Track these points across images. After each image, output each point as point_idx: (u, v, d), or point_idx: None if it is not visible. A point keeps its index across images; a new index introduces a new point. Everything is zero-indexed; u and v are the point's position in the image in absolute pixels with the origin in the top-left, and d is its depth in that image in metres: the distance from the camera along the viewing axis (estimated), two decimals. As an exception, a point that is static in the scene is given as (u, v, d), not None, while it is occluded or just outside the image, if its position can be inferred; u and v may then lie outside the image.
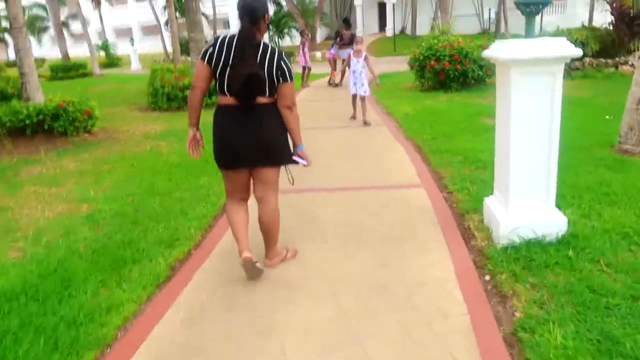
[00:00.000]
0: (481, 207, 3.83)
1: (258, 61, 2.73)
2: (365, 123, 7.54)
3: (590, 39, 12.21)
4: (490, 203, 3.59)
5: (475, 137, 6.36)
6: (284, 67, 2.80)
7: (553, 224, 3.24)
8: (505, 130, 3.32)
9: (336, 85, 13.30)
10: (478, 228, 3.62)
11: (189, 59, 11.40)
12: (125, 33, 44.17)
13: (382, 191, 4.63)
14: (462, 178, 4.76)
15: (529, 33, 3.21)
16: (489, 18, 23.96)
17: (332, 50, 13.62)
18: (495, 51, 3.20)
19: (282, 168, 3.10)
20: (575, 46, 9.65)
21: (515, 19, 29.02)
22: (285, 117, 2.88)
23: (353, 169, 5.41)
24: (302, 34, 14.80)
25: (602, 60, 12.04)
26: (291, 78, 2.83)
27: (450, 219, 3.86)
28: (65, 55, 27.64)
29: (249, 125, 2.83)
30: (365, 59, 7.53)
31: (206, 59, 2.82)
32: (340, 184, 4.93)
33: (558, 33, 12.63)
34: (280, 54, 2.82)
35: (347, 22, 13.70)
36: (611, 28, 12.41)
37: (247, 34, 2.75)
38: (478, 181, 4.63)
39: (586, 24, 20.19)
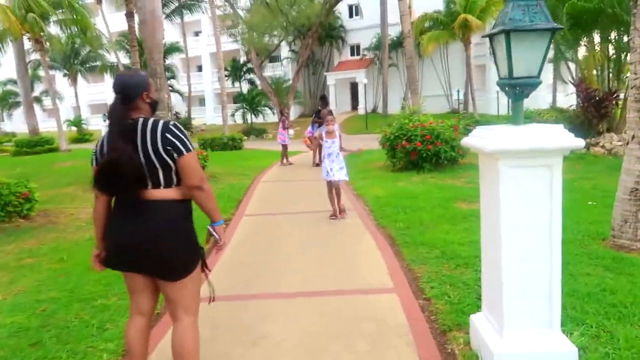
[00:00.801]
0: (466, 322, 3.13)
1: (139, 143, 2.20)
2: (340, 212, 6.46)
3: (560, 120, 12.22)
4: (479, 323, 2.89)
5: (452, 226, 5.77)
6: (174, 138, 2.22)
7: (560, 355, 2.54)
8: (493, 235, 2.70)
9: (317, 165, 12.86)
10: (465, 356, 2.88)
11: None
12: (101, 109, 44.08)
13: (350, 298, 3.88)
14: (440, 280, 4.08)
15: (516, 119, 2.68)
16: (457, 99, 24.57)
17: (311, 130, 13.22)
18: (479, 140, 2.65)
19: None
20: None
21: (483, 101, 30.18)
22: (196, 199, 2.34)
23: (316, 265, 4.68)
24: (281, 112, 14.55)
25: (573, 141, 11.98)
26: (188, 148, 2.23)
27: (429, 340, 3.12)
28: (33, 130, 26.93)
29: (136, 233, 2.23)
30: (340, 139, 6.54)
31: (93, 162, 2.30)
32: (298, 286, 4.17)
33: (528, 114, 12.69)
34: (165, 124, 2.25)
35: (324, 100, 13.50)
36: (579, 110, 12.51)
37: (117, 114, 2.23)
38: (459, 284, 3.96)
39: (547, 106, 20.88)
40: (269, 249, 5.28)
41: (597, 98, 12.12)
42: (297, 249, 5.21)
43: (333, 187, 6.41)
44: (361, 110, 35.18)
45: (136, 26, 11.57)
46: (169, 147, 2.20)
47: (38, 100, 33.76)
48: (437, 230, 5.59)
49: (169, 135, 2.21)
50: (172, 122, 2.29)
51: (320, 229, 6.03)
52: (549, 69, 30.42)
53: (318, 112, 12.96)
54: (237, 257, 5.05)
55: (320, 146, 12.19)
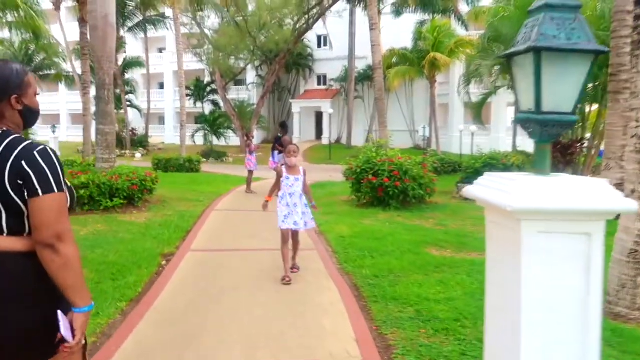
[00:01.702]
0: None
1: None
2: (293, 268, 5.16)
3: (526, 164, 12.04)
4: None
5: (425, 277, 5.12)
6: (31, 168, 1.53)
7: None
8: (509, 315, 2.03)
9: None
10: None
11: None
12: (54, 119, 41.94)
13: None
14: (417, 351, 3.37)
15: (542, 166, 2.06)
16: (423, 135, 24.56)
17: (275, 159, 12.43)
18: (496, 193, 2.00)
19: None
20: (512, 169, 8.86)
21: (446, 139, 30.43)
22: (46, 266, 1.54)
23: (265, 329, 3.86)
24: (247, 136, 13.72)
25: (539, 186, 11.78)
26: (48, 188, 1.53)
27: None
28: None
29: None
30: (304, 174, 5.18)
31: None
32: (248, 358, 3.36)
33: (494, 155, 12.48)
34: (26, 148, 1.56)
35: (284, 126, 12.85)
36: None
37: None
38: (441, 358, 3.26)
39: (507, 148, 21.02)
40: (209, 304, 4.42)
41: (563, 144, 12.02)
42: (245, 303, 4.38)
43: (291, 239, 5.06)
44: (325, 140, 34.80)
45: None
46: (19, 181, 1.52)
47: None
48: (409, 282, 4.91)
49: (24, 164, 1.52)
50: (40, 147, 1.58)
51: (275, 274, 5.21)
52: (504, 109, 31.32)
53: (279, 139, 12.29)
54: (167, 315, 4.16)
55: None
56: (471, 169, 12.06)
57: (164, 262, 5.69)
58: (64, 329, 1.55)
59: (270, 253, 5.99)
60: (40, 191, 1.49)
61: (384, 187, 9.79)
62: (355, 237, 7.11)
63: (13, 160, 1.52)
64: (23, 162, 1.51)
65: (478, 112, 14.71)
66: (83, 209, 8.59)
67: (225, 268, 5.44)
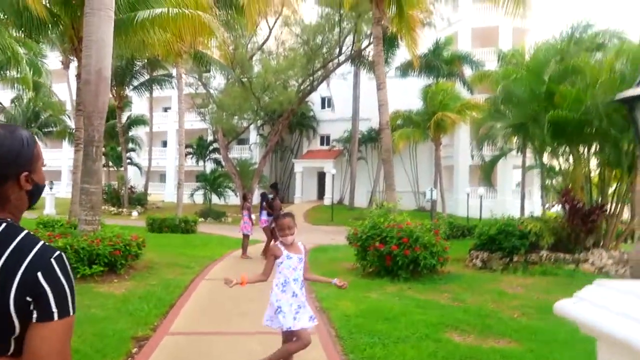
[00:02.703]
0: None
1: None
2: None
3: (545, 232, 11.19)
4: None
5: (452, 376, 4.17)
6: (49, 284, 1.17)
7: None
8: None
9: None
10: None
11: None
12: (56, 176, 41.59)
13: None
14: None
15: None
16: (430, 198, 23.82)
17: (265, 217, 11.65)
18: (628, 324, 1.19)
19: None
20: (530, 238, 7.82)
21: (452, 201, 29.73)
22: None
23: None
24: (244, 197, 12.99)
25: (560, 255, 10.88)
26: (66, 310, 1.19)
27: None
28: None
29: None
30: (306, 255, 3.97)
31: None
32: None
33: (509, 221, 11.65)
34: (42, 253, 1.20)
35: (275, 187, 12.13)
36: (565, 221, 11.54)
37: None
38: None
39: (514, 210, 20.14)
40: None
41: (584, 211, 11.23)
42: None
43: (282, 345, 3.77)
44: (327, 200, 34.13)
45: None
46: (28, 299, 1.16)
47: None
48: (432, 384, 3.96)
49: (40, 278, 1.17)
50: (56, 253, 1.23)
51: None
52: (510, 172, 30.82)
53: (267, 198, 11.57)
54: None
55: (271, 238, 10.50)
56: (485, 235, 11.19)
57: (134, 350, 4.75)
58: None
59: (263, 337, 5.04)
60: (56, 315, 1.16)
61: (392, 255, 8.91)
62: (363, 316, 6.16)
63: (25, 272, 1.16)
64: (39, 275, 1.16)
65: (488, 173, 14.12)
66: (57, 276, 7.69)
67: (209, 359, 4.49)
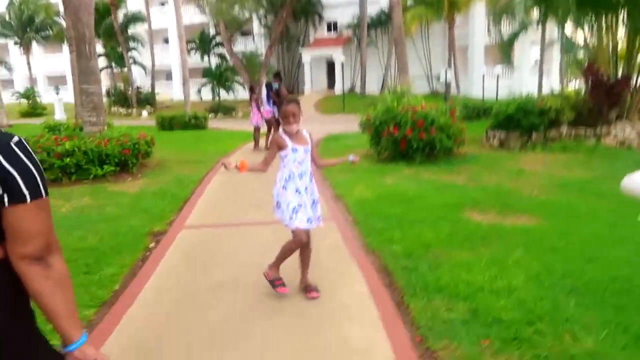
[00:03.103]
0: None
1: None
2: (310, 289, 3.47)
3: (565, 107, 10.70)
4: None
5: (472, 254, 4.08)
6: (14, 169, 1.16)
7: None
8: None
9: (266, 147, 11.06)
10: None
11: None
12: (59, 81, 40.85)
13: None
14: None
15: None
16: (445, 80, 22.95)
17: (269, 108, 11.26)
18: None
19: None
20: (550, 114, 7.41)
21: (467, 83, 28.70)
22: (35, 283, 1.20)
23: (271, 346, 2.91)
24: (252, 89, 12.52)
25: (581, 130, 10.50)
26: (35, 192, 1.19)
27: None
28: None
29: None
30: (312, 145, 3.40)
31: None
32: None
33: (528, 99, 11.13)
34: (1, 142, 1.17)
35: (279, 76, 11.52)
36: (587, 96, 10.96)
37: None
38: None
39: (532, 88, 19.23)
40: (199, 310, 3.47)
41: (608, 84, 10.60)
42: (244, 307, 3.42)
43: (303, 247, 3.45)
44: (338, 89, 33.26)
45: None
46: None
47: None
48: (453, 262, 3.89)
49: (3, 161, 1.14)
50: (15, 138, 1.20)
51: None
52: (528, 49, 29.25)
53: (271, 87, 11.02)
54: (141, 334, 3.22)
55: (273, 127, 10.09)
56: (502, 114, 10.75)
57: (151, 245, 4.74)
58: None
59: (277, 227, 4.99)
60: (28, 196, 1.17)
61: (406, 139, 8.65)
62: (378, 201, 6.07)
63: None
64: (1, 158, 1.15)
65: (507, 51, 13.24)
66: (70, 179, 7.67)
67: (224, 252, 4.46)
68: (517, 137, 10.74)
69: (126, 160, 8.09)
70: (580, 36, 12.24)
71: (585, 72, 11.14)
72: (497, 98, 20.36)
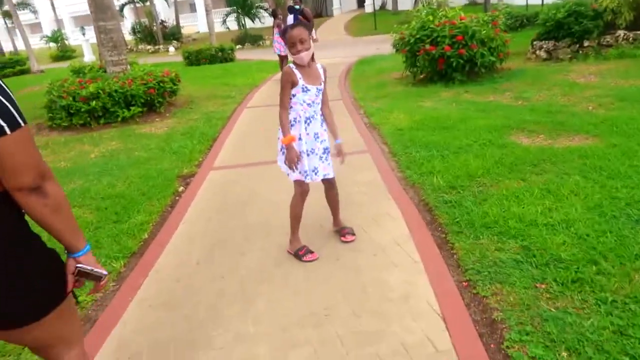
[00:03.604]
0: None
1: None
2: (344, 232, 3.20)
3: (623, 7, 9.54)
4: None
5: (522, 183, 3.71)
6: None
7: None
8: None
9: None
10: None
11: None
12: (86, 20, 40.49)
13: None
14: (543, 332, 2.13)
15: None
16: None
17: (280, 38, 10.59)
18: None
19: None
20: (605, 17, 6.47)
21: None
22: (35, 211, 1.26)
23: (304, 297, 2.72)
24: (274, 14, 11.78)
25: (641, 33, 9.42)
26: (14, 123, 1.19)
27: None
28: (-1, 50, 24.32)
29: None
30: (325, 75, 2.93)
31: None
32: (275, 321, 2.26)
33: (579, 1, 9.99)
34: None
35: None
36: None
37: None
38: (587, 347, 2.01)
39: None
40: (230, 258, 3.32)
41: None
42: (276, 254, 3.23)
43: (324, 192, 3.18)
44: (368, 7, 31.45)
45: None
46: None
47: (7, 14, 30.36)
48: (501, 194, 3.54)
49: None
50: None
51: (316, 194, 3.94)
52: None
53: (294, 10, 10.22)
54: (171, 287, 3.10)
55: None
56: (551, 20, 9.72)
57: (180, 189, 4.59)
58: (90, 270, 1.39)
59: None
60: (7, 128, 1.16)
61: (445, 57, 7.98)
62: (417, 127, 5.65)
63: None
64: None
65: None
66: (98, 122, 7.56)
67: (254, 193, 4.25)
68: (566, 45, 9.78)
69: (152, 99, 7.88)
70: None
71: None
72: (542, 3, 18.64)
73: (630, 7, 9.73)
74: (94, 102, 7.37)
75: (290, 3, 10.82)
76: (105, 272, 1.44)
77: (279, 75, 11.36)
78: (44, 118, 8.10)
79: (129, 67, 8.53)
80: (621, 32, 9.62)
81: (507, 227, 3.03)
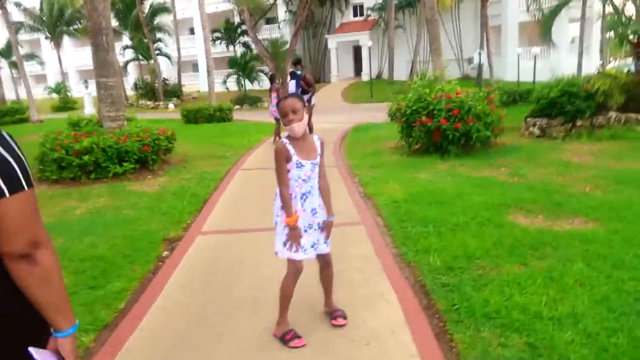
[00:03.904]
0: None
1: None
2: (336, 315, 2.96)
3: (615, 89, 9.84)
4: None
5: (525, 269, 3.55)
6: None
7: None
8: None
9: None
10: None
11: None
12: (90, 74, 41.34)
13: None
14: None
15: None
16: (479, 62, 22.00)
17: (295, 88, 10.76)
18: None
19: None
20: (597, 98, 6.66)
21: (500, 65, 27.51)
22: (21, 280, 1.18)
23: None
24: (272, 79, 12.02)
25: (632, 115, 9.65)
26: (16, 185, 1.15)
27: None
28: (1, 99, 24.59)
29: None
30: (322, 150, 2.76)
31: None
32: None
33: (573, 81, 10.31)
34: None
35: (300, 63, 10.88)
36: (636, 75, 10.08)
37: None
38: None
39: (570, 70, 17.84)
40: (211, 340, 3.08)
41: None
42: (265, 333, 2.99)
43: (319, 270, 2.97)
44: (365, 76, 32.49)
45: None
46: None
47: (14, 65, 31.06)
48: (501, 280, 3.36)
49: None
50: None
51: (309, 269, 3.73)
52: (566, 26, 27.74)
53: (297, 75, 10.38)
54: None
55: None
56: (545, 99, 9.97)
57: (165, 253, 4.38)
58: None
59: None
60: (6, 191, 1.13)
61: (441, 130, 8.05)
62: (413, 200, 5.55)
63: None
64: None
65: (549, 26, 12.31)
66: (89, 177, 7.42)
67: (243, 264, 4.03)
68: (559, 124, 9.97)
69: (146, 157, 7.79)
70: (631, 7, 11.27)
71: (636, 48, 10.23)
72: (534, 81, 19.32)
73: (621, 90, 10.04)
74: (86, 156, 7.26)
75: (291, 69, 11.01)
76: None
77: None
78: (34, 170, 7.95)
79: (125, 123, 8.52)
80: (613, 114, 9.85)
81: (510, 319, 2.83)
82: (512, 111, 13.45)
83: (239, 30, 32.25)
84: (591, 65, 30.48)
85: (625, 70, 14.90)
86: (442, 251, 3.96)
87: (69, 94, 35.10)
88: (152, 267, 4.07)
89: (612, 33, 16.67)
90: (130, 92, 32.67)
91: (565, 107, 9.68)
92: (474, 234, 4.31)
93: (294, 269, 2.75)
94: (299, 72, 10.27)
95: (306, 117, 2.64)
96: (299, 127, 2.58)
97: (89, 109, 26.77)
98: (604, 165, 7.00)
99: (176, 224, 5.17)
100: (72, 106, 32.77)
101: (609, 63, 38.39)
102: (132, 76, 36.80)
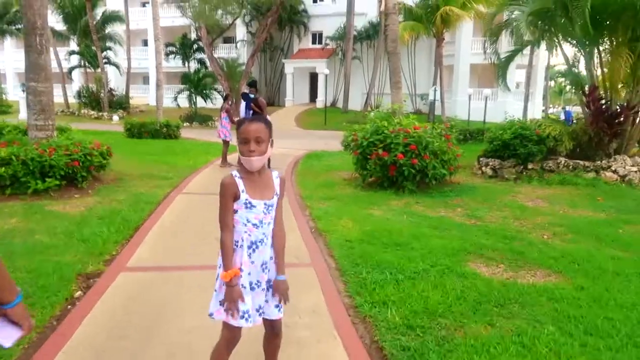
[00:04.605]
0: None
1: None
2: None
3: (564, 135, 10.01)
4: None
5: (492, 330, 3.15)
6: None
7: None
8: None
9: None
10: None
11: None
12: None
13: None
14: None
15: None
16: (434, 99, 22.44)
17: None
18: None
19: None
20: (547, 143, 6.52)
21: (451, 102, 28.27)
22: None
23: None
24: (226, 98, 11.47)
25: (580, 162, 9.80)
26: None
27: None
28: None
29: None
30: (282, 190, 2.22)
31: None
32: None
33: (525, 124, 10.44)
34: None
35: (255, 86, 10.46)
36: (587, 124, 10.29)
37: None
38: None
39: (516, 115, 18.33)
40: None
41: (611, 112, 9.98)
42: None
43: (264, 336, 2.38)
44: (320, 102, 32.48)
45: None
46: None
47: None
48: (468, 344, 2.94)
49: None
50: None
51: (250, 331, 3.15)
52: (512, 71, 29.03)
53: (249, 97, 9.89)
54: None
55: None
56: (498, 140, 10.00)
57: (77, 294, 3.68)
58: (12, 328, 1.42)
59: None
60: None
61: (397, 165, 7.77)
62: (367, 240, 5.11)
63: None
64: None
65: (504, 71, 12.55)
66: (4, 193, 6.51)
67: (169, 313, 3.42)
68: (511, 166, 10.00)
69: (75, 173, 6.98)
70: (579, 59, 11.62)
71: (586, 97, 10.50)
72: (484, 121, 19.80)
73: (569, 136, 10.24)
74: (2, 168, 6.38)
75: (245, 90, 10.51)
76: (24, 329, 1.45)
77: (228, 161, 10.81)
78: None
79: (55, 133, 7.67)
80: (562, 159, 9.98)
81: (483, 400, 2.40)
82: (464, 149, 13.51)
83: (195, 47, 31.46)
84: (535, 110, 32.13)
85: (562, 117, 15.50)
86: (400, 304, 3.51)
87: (4, 96, 32.82)
88: (59, 311, 3.37)
89: (552, 82, 17.28)
90: (72, 100, 30.94)
91: (518, 150, 9.72)
92: (435, 284, 3.91)
93: (230, 336, 2.18)
94: (252, 95, 9.78)
95: (270, 151, 2.11)
96: (259, 161, 2.06)
97: (23, 114, 25.02)
98: (558, 212, 6.90)
99: (97, 255, 4.46)
100: (6, 110, 30.59)
101: (549, 109, 40.72)
102: (77, 83, 35.01)
